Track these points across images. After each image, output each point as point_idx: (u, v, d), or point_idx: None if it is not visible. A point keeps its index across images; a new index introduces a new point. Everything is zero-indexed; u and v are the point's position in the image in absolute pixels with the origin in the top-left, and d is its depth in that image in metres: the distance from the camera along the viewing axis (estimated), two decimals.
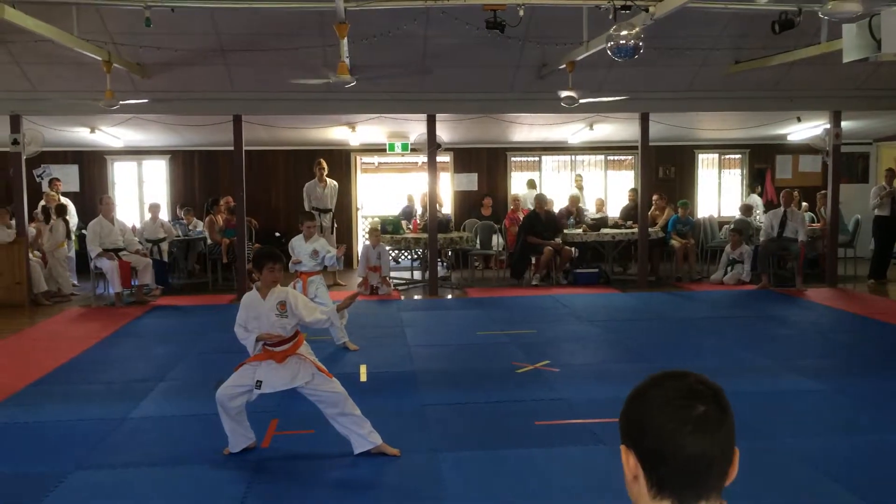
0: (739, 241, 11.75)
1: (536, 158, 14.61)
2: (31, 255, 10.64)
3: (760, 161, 14.80)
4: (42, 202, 11.85)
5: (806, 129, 12.73)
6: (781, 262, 11.82)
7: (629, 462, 1.29)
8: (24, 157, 10.50)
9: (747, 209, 13.04)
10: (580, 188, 13.96)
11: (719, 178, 15.04)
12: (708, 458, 1.23)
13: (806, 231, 11.35)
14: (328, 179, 12.55)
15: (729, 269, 11.82)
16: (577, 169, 14.73)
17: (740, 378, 6.27)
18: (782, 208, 11.39)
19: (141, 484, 4.40)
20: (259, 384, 4.61)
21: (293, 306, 4.64)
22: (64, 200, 12.15)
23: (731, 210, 14.24)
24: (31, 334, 8.74)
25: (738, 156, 14.99)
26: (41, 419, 5.54)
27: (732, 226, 12.35)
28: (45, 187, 12.62)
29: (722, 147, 14.73)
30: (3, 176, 11.78)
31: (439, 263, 11.99)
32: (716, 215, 14.26)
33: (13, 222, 10.52)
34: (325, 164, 12.44)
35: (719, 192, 15.02)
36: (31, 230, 10.94)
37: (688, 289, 11.38)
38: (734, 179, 15.10)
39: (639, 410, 1.28)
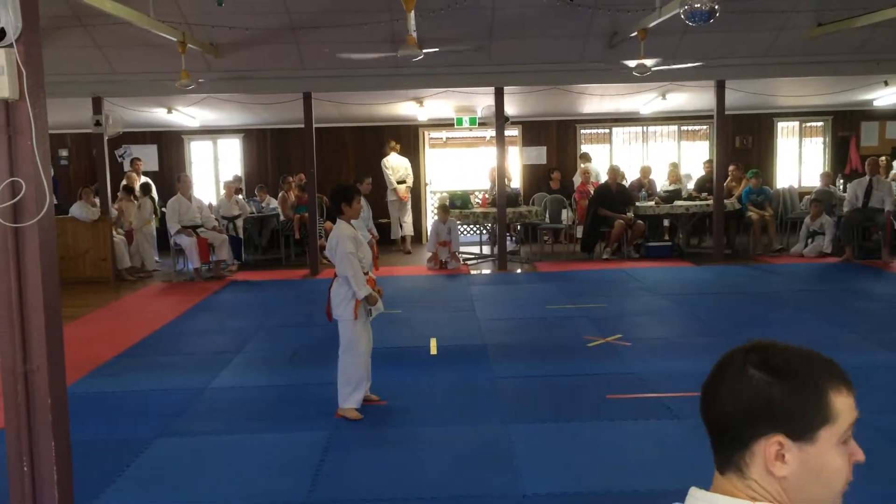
0: (820, 211, 11.29)
1: (607, 130, 14.34)
2: (114, 232, 11.07)
3: (844, 128, 14.16)
4: (123, 181, 12.31)
5: (894, 94, 12.09)
6: (866, 233, 11.32)
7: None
8: (105, 138, 10.89)
9: (828, 178, 12.52)
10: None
11: (800, 146, 14.47)
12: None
13: (893, 201, 10.81)
14: (397, 155, 13.22)
15: (809, 241, 11.39)
16: (650, 140, 14.39)
17: (822, 352, 6.04)
18: (867, 177, 10.89)
19: (221, 450, 4.55)
20: (370, 312, 4.97)
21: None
22: (145, 179, 12.59)
23: (813, 180, 13.68)
24: (117, 308, 9.11)
25: (820, 123, 14.38)
26: (127, 388, 5.78)
27: (813, 196, 11.87)
28: (126, 167, 13.10)
29: (803, 114, 14.15)
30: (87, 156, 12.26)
31: (508, 238, 11.94)
32: (796, 186, 13.74)
33: (97, 201, 10.95)
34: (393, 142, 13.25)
35: (800, 162, 14.46)
36: (114, 210, 11.40)
37: (766, 262, 11.03)
38: (816, 148, 14.50)
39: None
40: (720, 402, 1.15)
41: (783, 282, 9.60)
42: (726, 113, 11.16)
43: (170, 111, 12.39)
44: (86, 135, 12.03)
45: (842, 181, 13.23)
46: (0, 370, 3.13)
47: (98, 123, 10.68)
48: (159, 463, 4.39)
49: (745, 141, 14.16)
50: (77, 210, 10.76)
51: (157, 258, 12.08)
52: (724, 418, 1.14)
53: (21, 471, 3.12)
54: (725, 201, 11.37)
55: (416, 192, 14.13)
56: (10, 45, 2.95)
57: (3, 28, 2.91)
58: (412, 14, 7.58)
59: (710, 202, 11.38)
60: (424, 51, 7.60)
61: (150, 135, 13.83)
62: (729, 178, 12.22)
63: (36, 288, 3.07)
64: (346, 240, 4.83)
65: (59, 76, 9.00)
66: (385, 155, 13.09)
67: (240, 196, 12.50)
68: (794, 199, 12.59)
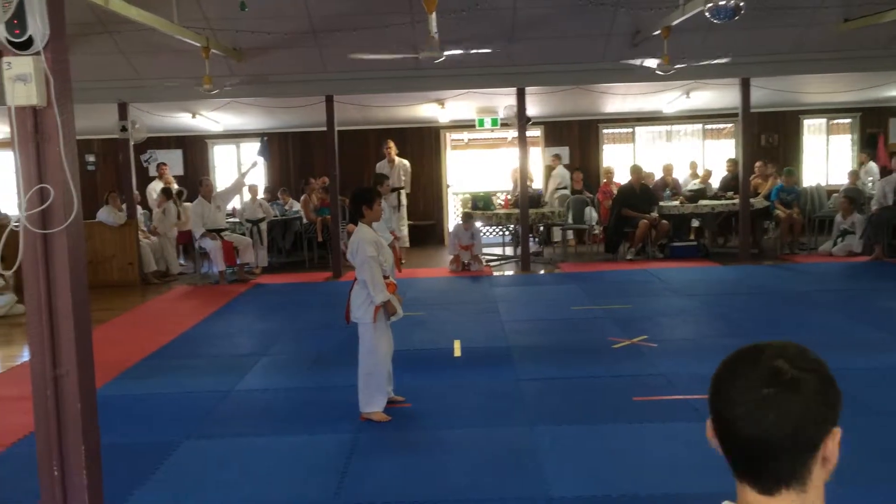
0: (850, 209, 11.11)
1: (630, 130, 14.24)
2: (141, 235, 11.19)
3: (873, 125, 13.94)
4: (161, 184, 12.49)
5: None
6: None
7: None
8: (131, 143, 11.01)
9: (855, 176, 12.32)
10: None
11: (827, 144, 14.27)
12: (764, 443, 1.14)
13: None
14: (397, 158, 12.36)
15: (839, 239, 11.21)
16: (674, 139, 14.26)
17: (850, 353, 5.95)
18: None
19: (247, 453, 4.56)
20: (390, 317, 5.00)
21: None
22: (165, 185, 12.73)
23: (841, 178, 13.48)
24: (143, 311, 9.20)
25: (847, 120, 14.18)
26: (154, 391, 5.83)
27: (843, 192, 11.68)
28: (151, 171, 13.26)
29: (830, 111, 13.96)
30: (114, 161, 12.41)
31: (531, 239, 11.90)
32: (823, 183, 13.55)
33: (124, 206, 11.07)
34: (392, 144, 12.34)
35: (827, 159, 14.26)
36: (157, 212, 11.63)
37: (793, 261, 10.88)
38: (843, 145, 14.29)
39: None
40: (782, 418, 1.11)
41: (811, 281, 9.46)
42: (751, 110, 11.03)
43: (194, 116, 12.50)
44: (112, 140, 12.17)
45: (871, 179, 13.02)
46: (30, 374, 3.16)
47: (124, 129, 10.80)
48: (187, 465, 4.42)
49: (770, 139, 14.00)
50: (104, 215, 10.88)
51: (182, 261, 12.20)
52: (793, 434, 1.12)
53: (52, 474, 3.15)
54: (751, 199, 11.23)
55: (438, 194, 14.14)
56: (38, 53, 2.98)
57: (30, 36, 2.95)
58: (433, 16, 7.58)
59: (736, 201, 11.25)
60: (447, 53, 7.58)
61: (175, 139, 13.97)
62: (755, 175, 12.07)
63: (65, 294, 3.09)
64: (367, 244, 4.83)
65: (85, 83, 9.11)
66: (391, 159, 12.25)
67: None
68: (821, 198, 12.41)
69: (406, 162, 12.55)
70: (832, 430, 1.14)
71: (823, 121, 14.20)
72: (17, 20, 2.92)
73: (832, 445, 1.14)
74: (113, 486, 3.74)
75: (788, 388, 1.12)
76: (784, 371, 1.13)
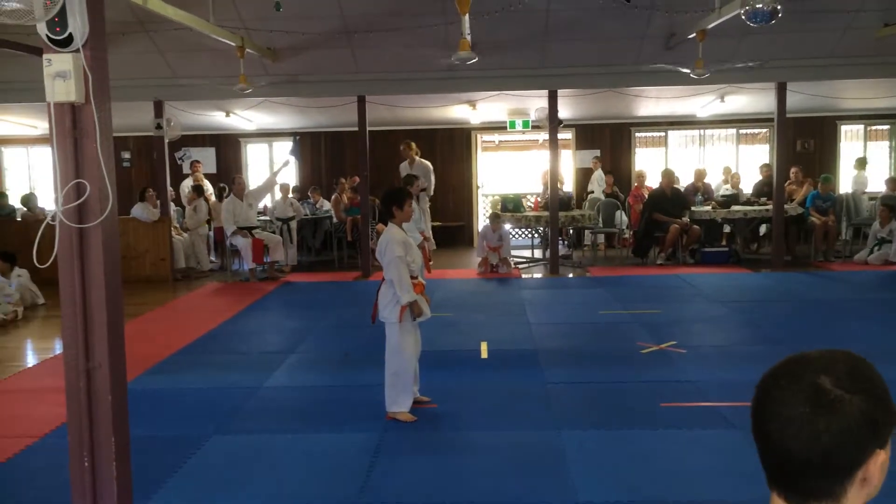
0: (889, 217, 10.89)
1: (662, 134, 14.12)
2: (175, 233, 11.33)
3: None
4: (192, 181, 12.66)
5: None
6: None
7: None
8: (166, 141, 11.16)
9: (894, 183, 12.07)
10: None
11: (864, 150, 14.01)
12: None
13: None
14: (418, 158, 11.42)
15: (876, 248, 11.00)
16: (707, 144, 14.11)
17: (886, 364, 5.81)
18: None
19: (274, 450, 4.60)
20: (416, 317, 4.99)
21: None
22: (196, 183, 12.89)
23: (878, 185, 13.22)
24: (174, 307, 9.32)
25: (886, 127, 13.91)
26: (184, 386, 5.90)
27: (881, 200, 11.44)
28: (185, 169, 13.44)
29: (868, 117, 13.72)
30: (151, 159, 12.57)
31: (560, 242, 11.84)
32: (860, 191, 13.29)
33: (158, 202, 11.23)
34: (412, 145, 11.41)
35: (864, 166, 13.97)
36: (189, 208, 11.79)
37: (828, 269, 10.70)
38: (881, 152, 14.03)
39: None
40: (816, 438, 1.07)
41: (846, 290, 9.30)
42: (787, 115, 10.87)
43: (228, 115, 12.64)
44: (147, 137, 12.37)
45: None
46: (64, 367, 3.21)
47: (159, 126, 10.95)
48: (214, 460, 4.46)
49: (806, 144, 13.79)
50: (139, 211, 11.05)
51: (213, 258, 12.35)
52: (825, 457, 1.07)
53: (82, 465, 3.20)
54: (786, 206, 11.07)
55: (468, 196, 14.14)
56: (77, 51, 3.04)
57: (70, 33, 3.00)
58: (467, 17, 7.59)
59: (769, 207, 11.09)
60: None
61: (209, 138, 14.15)
62: (790, 181, 11.88)
63: (99, 287, 3.14)
64: (396, 244, 4.85)
65: (122, 80, 9.23)
66: (411, 159, 11.31)
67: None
68: (858, 205, 12.18)
69: (427, 163, 11.59)
70: (876, 451, 1.09)
71: (861, 126, 13.95)
72: (58, 17, 2.98)
73: (873, 468, 1.09)
74: (142, 477, 3.79)
75: (828, 410, 1.06)
76: (826, 391, 1.07)
